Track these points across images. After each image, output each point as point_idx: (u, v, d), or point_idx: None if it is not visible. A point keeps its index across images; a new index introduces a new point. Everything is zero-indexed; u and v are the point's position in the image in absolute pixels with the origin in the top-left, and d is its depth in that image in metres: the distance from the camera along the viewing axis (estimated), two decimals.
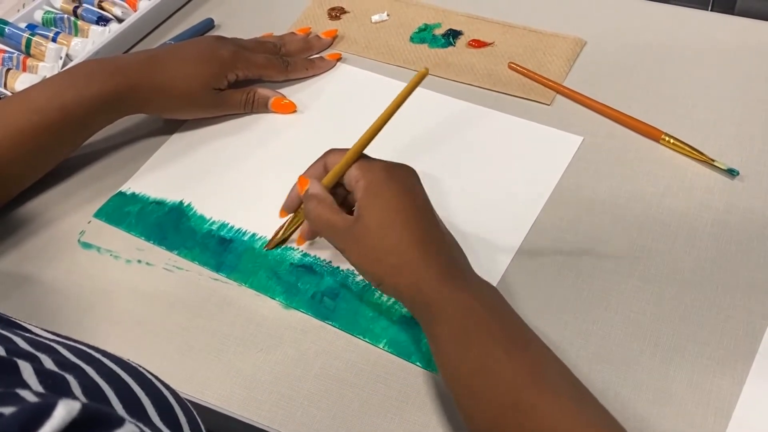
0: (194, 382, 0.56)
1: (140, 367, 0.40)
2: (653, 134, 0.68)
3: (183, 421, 0.38)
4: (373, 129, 0.58)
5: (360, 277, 0.61)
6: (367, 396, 0.55)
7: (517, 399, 0.44)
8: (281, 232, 0.64)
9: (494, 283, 0.57)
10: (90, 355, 0.38)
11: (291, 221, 0.63)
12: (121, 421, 0.29)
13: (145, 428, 0.31)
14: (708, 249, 0.60)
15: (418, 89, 0.73)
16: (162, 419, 0.36)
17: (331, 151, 0.60)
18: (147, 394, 0.37)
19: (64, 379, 0.34)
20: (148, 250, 0.65)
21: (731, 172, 0.64)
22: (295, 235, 0.64)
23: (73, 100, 0.65)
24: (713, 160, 0.65)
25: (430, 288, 0.50)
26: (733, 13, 0.80)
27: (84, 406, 0.28)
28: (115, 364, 0.38)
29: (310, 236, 0.63)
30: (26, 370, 0.33)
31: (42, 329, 0.41)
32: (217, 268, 0.63)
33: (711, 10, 0.82)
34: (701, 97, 0.71)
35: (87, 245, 0.66)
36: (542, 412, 0.43)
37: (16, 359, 0.33)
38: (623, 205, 0.64)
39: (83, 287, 0.63)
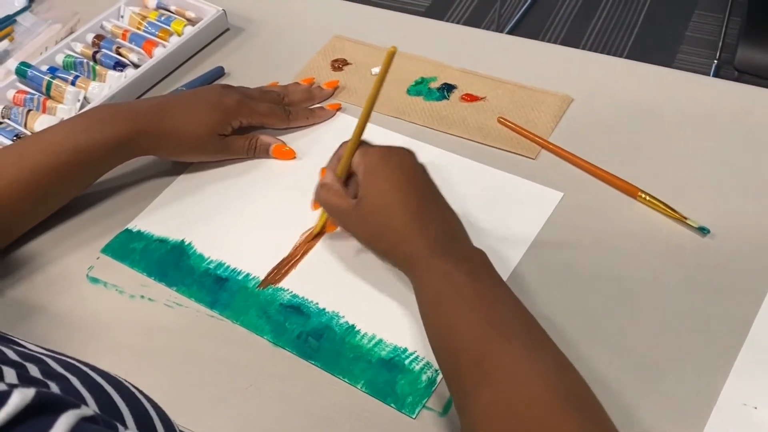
0: (187, 413, 0.60)
1: (125, 381, 0.44)
2: (631, 191, 0.71)
3: (159, 429, 0.42)
4: (363, 116, 0.63)
5: (344, 319, 0.65)
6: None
7: (478, 351, 0.48)
8: (317, 225, 0.70)
9: None
10: (77, 367, 0.43)
11: (322, 212, 0.69)
12: (74, 405, 0.34)
13: (103, 415, 0.35)
14: (678, 304, 0.63)
15: (413, 141, 0.78)
16: (137, 425, 0.40)
17: (344, 143, 0.66)
18: (126, 404, 0.41)
19: (47, 385, 0.38)
20: (151, 287, 0.69)
21: (702, 230, 0.68)
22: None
23: (86, 142, 0.70)
24: (686, 218, 0.68)
25: (419, 259, 0.55)
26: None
27: (38, 392, 0.33)
28: (99, 376, 0.43)
29: (334, 222, 0.68)
30: (9, 375, 0.37)
31: (35, 344, 0.45)
32: (212, 305, 0.67)
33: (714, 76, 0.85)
34: (678, 157, 0.74)
35: (95, 280, 0.70)
36: (496, 359, 0.47)
37: (2, 366, 0.37)
38: (599, 260, 0.67)
39: (89, 320, 0.67)
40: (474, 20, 2.37)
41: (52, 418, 0.32)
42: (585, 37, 2.27)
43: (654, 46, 2.20)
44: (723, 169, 0.73)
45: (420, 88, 0.84)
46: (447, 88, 0.84)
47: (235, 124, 0.77)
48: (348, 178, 0.65)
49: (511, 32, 2.29)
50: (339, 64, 0.88)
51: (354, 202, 0.61)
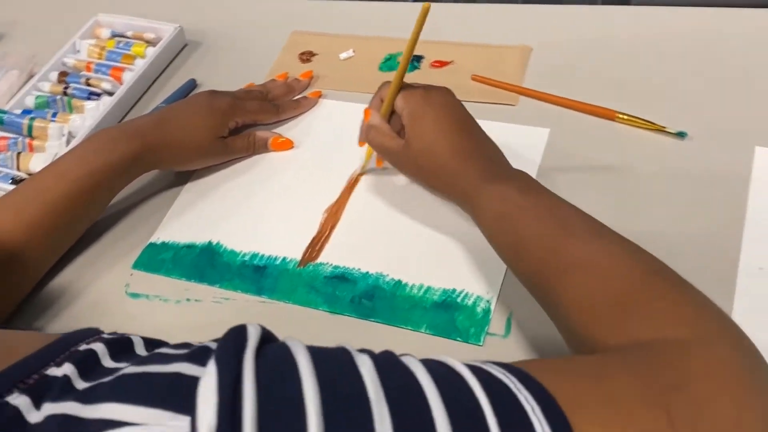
0: None
1: None
2: (608, 115, 0.78)
3: None
4: (403, 63, 0.67)
5: (389, 277, 0.69)
6: None
7: (552, 249, 0.52)
8: (365, 162, 0.76)
9: (500, 275, 0.67)
10: None
11: (368, 150, 0.74)
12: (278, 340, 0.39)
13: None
14: (676, 198, 0.70)
15: None
16: None
17: (384, 83, 0.70)
18: None
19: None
20: (194, 289, 0.71)
21: (681, 135, 0.75)
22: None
23: (100, 165, 0.72)
24: (664, 127, 0.76)
25: (474, 189, 0.60)
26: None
27: (260, 325, 0.38)
28: None
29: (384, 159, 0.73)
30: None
31: None
32: (259, 292, 0.70)
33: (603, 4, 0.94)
34: (644, 77, 0.82)
35: (135, 295, 0.72)
36: (571, 251, 0.51)
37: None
38: (595, 182, 0.73)
39: (144, 332, 0.67)
40: None
41: (284, 344, 0.36)
42: None
43: None
44: (687, 80, 0.81)
45: (390, 63, 0.89)
46: (415, 59, 0.89)
47: (231, 124, 0.80)
48: (390, 116, 0.69)
49: None
50: (306, 56, 0.92)
51: (403, 142, 0.65)
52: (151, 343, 0.42)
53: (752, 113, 0.76)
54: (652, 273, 0.49)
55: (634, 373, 0.39)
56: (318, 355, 0.37)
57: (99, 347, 0.39)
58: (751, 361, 0.40)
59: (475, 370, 0.38)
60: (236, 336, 0.37)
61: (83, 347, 0.39)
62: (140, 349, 0.41)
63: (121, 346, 0.40)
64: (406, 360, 0.39)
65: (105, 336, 0.41)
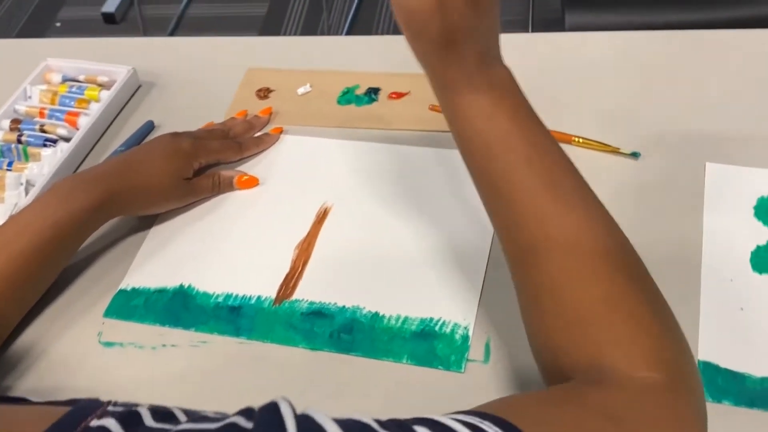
0: None
1: None
2: (565, 138, 0.81)
3: None
4: None
5: (366, 310, 0.69)
6: (406, 407, 0.63)
7: (540, 219, 0.52)
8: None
9: (475, 302, 0.68)
10: None
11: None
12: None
13: None
14: (629, 221, 0.71)
15: (368, 143, 0.83)
16: None
17: None
18: None
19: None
20: (169, 334, 0.71)
21: (634, 155, 0.78)
22: None
23: (63, 215, 0.70)
24: (618, 149, 0.79)
25: (464, 80, 0.57)
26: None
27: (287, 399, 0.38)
28: None
29: None
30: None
31: None
32: (236, 333, 0.70)
33: (532, 32, 0.97)
34: (594, 100, 0.85)
35: (109, 344, 0.71)
36: (556, 229, 0.52)
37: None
38: None
39: (118, 383, 0.68)
40: (307, 31, 2.48)
41: (312, 419, 0.38)
42: None
43: None
44: (635, 101, 0.84)
45: (348, 97, 0.90)
46: (373, 91, 0.90)
47: (195, 165, 0.79)
48: None
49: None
50: (264, 93, 0.93)
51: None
52: (157, 413, 0.41)
53: (701, 131, 0.80)
54: (634, 279, 0.51)
55: (610, 419, 0.43)
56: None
57: (111, 423, 0.39)
58: (703, 408, 0.47)
59: None
60: (272, 417, 0.37)
61: (95, 423, 0.38)
62: (149, 421, 0.41)
63: (131, 420, 0.40)
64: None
65: (111, 409, 0.40)
